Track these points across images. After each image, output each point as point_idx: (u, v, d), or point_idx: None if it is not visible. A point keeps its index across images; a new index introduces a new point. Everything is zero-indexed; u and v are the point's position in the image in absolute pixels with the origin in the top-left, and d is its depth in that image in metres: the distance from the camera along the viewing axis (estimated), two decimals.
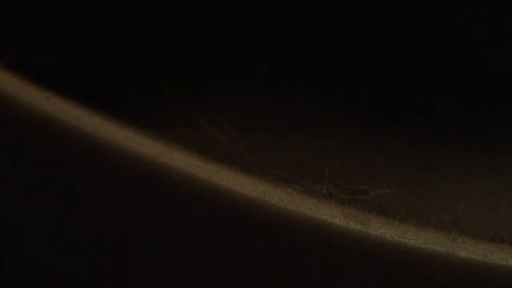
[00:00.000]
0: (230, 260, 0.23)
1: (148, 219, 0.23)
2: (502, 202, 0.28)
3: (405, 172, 0.30)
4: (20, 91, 0.24)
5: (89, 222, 0.24)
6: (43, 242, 0.25)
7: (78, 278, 0.25)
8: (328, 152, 0.30)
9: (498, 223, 0.27)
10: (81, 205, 0.24)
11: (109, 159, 0.23)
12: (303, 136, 0.30)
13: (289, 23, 0.32)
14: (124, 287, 0.25)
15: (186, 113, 0.28)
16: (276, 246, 0.22)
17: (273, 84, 0.31)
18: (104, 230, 0.24)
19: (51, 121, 0.23)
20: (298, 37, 0.32)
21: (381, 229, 0.22)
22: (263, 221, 0.22)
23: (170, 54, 0.31)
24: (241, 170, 0.23)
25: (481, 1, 0.31)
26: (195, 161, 0.23)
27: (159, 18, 0.31)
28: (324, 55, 0.31)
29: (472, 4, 0.31)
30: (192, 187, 0.22)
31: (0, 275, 0.26)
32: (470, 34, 0.31)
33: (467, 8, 0.31)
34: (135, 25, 0.31)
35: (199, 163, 0.22)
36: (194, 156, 0.23)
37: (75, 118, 0.23)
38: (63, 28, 0.30)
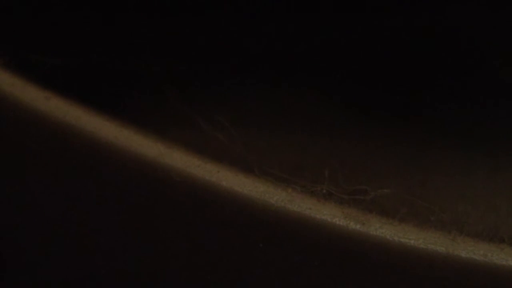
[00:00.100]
0: (230, 260, 0.23)
1: (148, 219, 0.23)
2: (502, 202, 0.28)
3: (405, 172, 0.30)
4: (20, 91, 0.23)
5: (89, 222, 0.24)
6: (43, 242, 0.25)
7: (78, 278, 0.25)
8: (328, 152, 0.30)
9: (498, 223, 0.27)
10: (81, 205, 0.24)
11: (109, 159, 0.23)
12: (303, 136, 0.30)
13: (289, 23, 0.32)
14: (124, 287, 0.25)
15: (186, 113, 0.28)
16: (276, 246, 0.22)
17: (273, 84, 0.31)
18: (104, 230, 0.24)
19: (51, 121, 0.23)
20: (298, 37, 0.32)
21: (381, 229, 0.22)
22: (263, 221, 0.22)
23: (170, 54, 0.31)
24: (241, 170, 0.23)
25: (481, 1, 0.31)
26: (195, 161, 0.22)
27: (159, 18, 0.31)
28: (325, 55, 0.31)
29: (472, 4, 0.31)
30: (192, 187, 0.22)
31: (0, 275, 0.26)
32: (471, 34, 0.31)
33: (467, 8, 0.31)
34: (135, 25, 0.31)
35: (199, 163, 0.22)
36: (194, 156, 0.23)
37: (75, 118, 0.23)
38: (63, 28, 0.30)
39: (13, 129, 0.24)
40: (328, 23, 0.31)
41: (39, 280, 0.26)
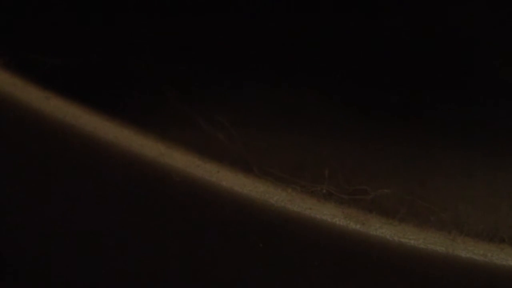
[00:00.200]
0: (230, 260, 0.23)
1: (147, 219, 0.23)
2: (502, 202, 0.29)
3: (405, 172, 0.30)
4: (20, 91, 0.23)
5: (89, 222, 0.24)
6: (43, 242, 0.25)
7: (78, 278, 0.25)
8: (328, 152, 0.30)
9: (498, 223, 0.27)
10: (81, 205, 0.24)
11: (109, 159, 0.23)
12: (303, 136, 0.30)
13: (289, 23, 0.32)
14: (124, 287, 0.25)
15: (186, 113, 0.28)
16: (276, 246, 0.22)
17: (273, 84, 0.31)
18: (104, 230, 0.24)
19: (51, 121, 0.23)
20: (299, 37, 0.32)
21: (381, 229, 0.22)
22: (263, 221, 0.22)
23: (170, 54, 0.31)
24: (241, 170, 0.23)
25: (481, 1, 0.31)
26: (195, 161, 0.22)
27: (159, 18, 0.31)
28: (325, 55, 0.31)
29: (472, 4, 0.31)
30: (192, 187, 0.22)
31: (0, 275, 0.26)
32: (470, 34, 0.31)
33: (467, 8, 0.31)
34: (135, 25, 0.31)
35: (199, 163, 0.22)
36: (194, 156, 0.23)
37: (75, 118, 0.23)
38: (63, 28, 0.30)
39: (13, 129, 0.24)
40: (328, 23, 0.31)
41: (39, 280, 0.26)
